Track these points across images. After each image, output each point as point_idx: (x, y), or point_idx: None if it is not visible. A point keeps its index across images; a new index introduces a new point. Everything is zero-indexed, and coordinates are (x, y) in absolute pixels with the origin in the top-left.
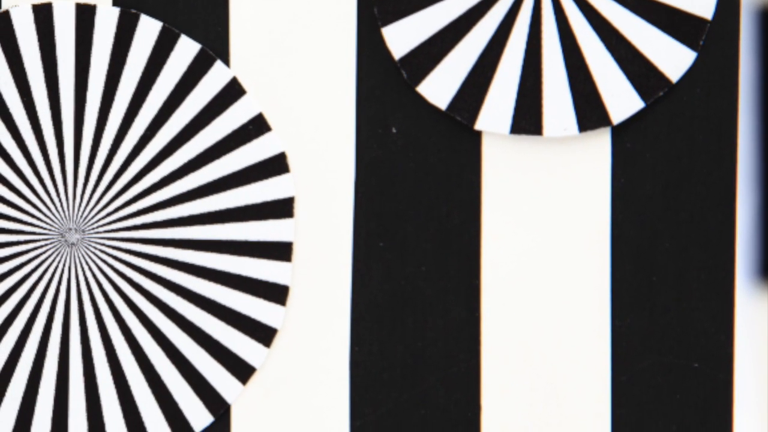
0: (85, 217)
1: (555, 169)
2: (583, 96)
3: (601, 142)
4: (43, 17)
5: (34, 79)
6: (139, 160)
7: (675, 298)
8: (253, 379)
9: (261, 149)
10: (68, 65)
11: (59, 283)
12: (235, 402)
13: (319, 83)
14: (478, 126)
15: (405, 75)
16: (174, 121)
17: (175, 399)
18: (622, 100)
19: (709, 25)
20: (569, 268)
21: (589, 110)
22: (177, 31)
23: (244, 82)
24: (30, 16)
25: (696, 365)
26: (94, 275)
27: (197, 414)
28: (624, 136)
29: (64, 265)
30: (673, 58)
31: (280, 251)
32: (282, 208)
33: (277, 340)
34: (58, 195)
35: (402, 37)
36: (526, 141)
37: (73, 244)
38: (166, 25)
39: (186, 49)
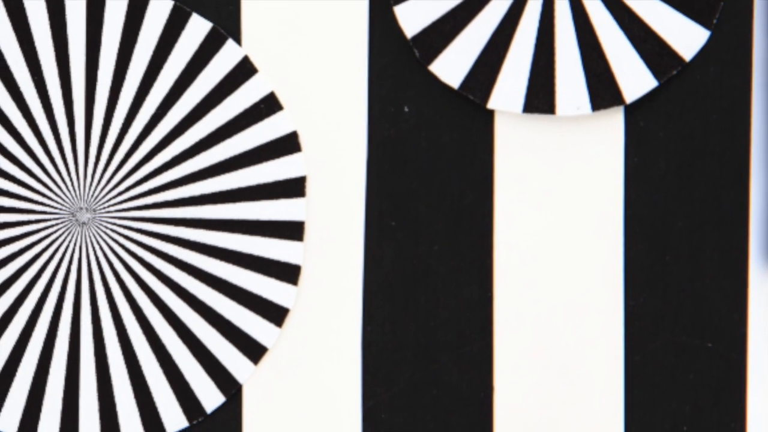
0: (96, 197)
1: (568, 148)
2: (596, 75)
3: (614, 121)
4: None
5: (44, 57)
6: (150, 139)
7: (688, 277)
8: (265, 359)
9: (273, 128)
10: (79, 43)
11: (70, 262)
12: (246, 382)
13: (331, 62)
14: (490, 105)
15: (417, 54)
16: (185, 100)
17: (187, 379)
18: (635, 79)
19: (722, 3)
20: (582, 247)
21: (602, 89)
22: (188, 9)
23: (255, 60)
24: None
25: (709, 345)
26: (105, 254)
27: (209, 394)
28: (637, 114)
29: (75, 244)
30: (686, 37)
31: (292, 230)
32: (294, 188)
33: (289, 320)
34: (69, 174)
35: (414, 15)
36: (538, 120)
37: (84, 223)
38: (178, 3)
39: (197, 28)
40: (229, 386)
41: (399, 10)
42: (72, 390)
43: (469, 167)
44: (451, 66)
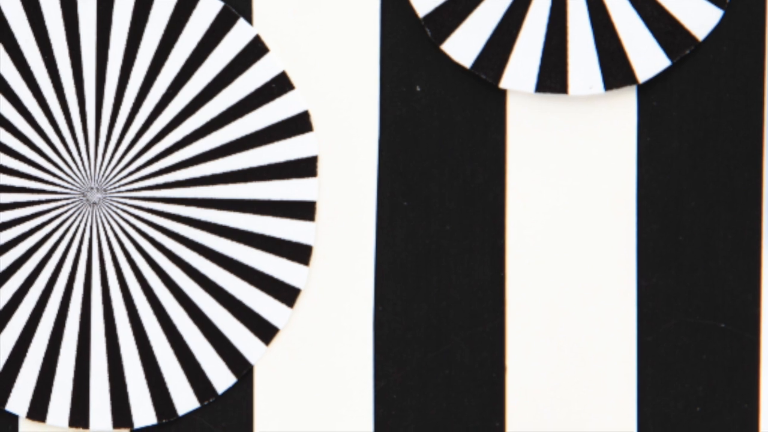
0: (107, 177)
1: (580, 127)
2: (608, 54)
3: (627, 100)
4: None
5: (55, 37)
6: (161, 118)
7: (701, 257)
8: (277, 340)
9: (284, 108)
10: (90, 23)
11: (81, 242)
12: (258, 363)
13: (342, 41)
14: (503, 84)
15: (429, 33)
16: (196, 80)
17: (198, 360)
18: (648, 58)
19: None
20: (594, 227)
21: (615, 68)
22: None
23: (267, 40)
24: None
25: (722, 325)
26: (115, 234)
27: (220, 375)
28: (650, 94)
29: (85, 224)
30: (699, 16)
31: (304, 210)
32: (305, 167)
33: (301, 300)
34: (79, 154)
35: None
36: (551, 99)
37: (94, 203)
38: None
39: (209, 7)
40: (241, 367)
41: None
42: (83, 371)
43: (481, 147)
44: (464, 45)
